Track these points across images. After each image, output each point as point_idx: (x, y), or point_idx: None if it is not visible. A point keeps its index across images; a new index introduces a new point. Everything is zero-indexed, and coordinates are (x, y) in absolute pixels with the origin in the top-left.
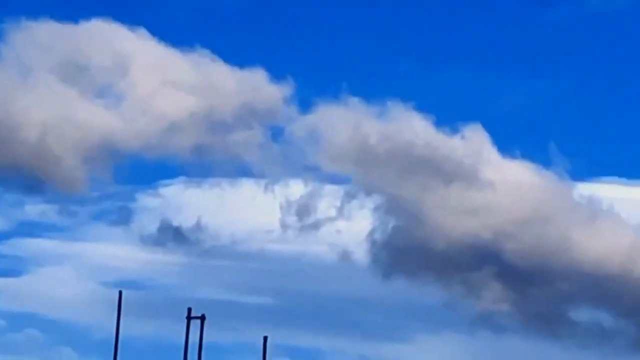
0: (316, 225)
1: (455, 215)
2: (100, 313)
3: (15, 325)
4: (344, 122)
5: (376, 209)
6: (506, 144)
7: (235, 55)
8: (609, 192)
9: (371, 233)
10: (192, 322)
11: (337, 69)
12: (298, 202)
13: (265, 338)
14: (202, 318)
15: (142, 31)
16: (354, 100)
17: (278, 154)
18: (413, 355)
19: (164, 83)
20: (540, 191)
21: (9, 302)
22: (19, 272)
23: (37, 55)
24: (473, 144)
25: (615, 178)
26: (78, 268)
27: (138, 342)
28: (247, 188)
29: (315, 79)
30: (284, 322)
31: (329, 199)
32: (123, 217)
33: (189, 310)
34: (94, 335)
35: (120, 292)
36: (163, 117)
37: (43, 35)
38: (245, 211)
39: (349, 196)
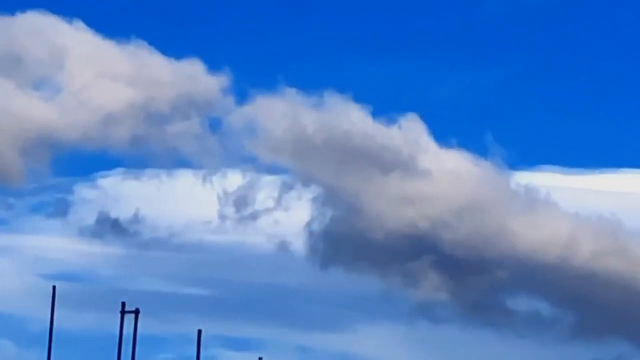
0: (254, 216)
1: (393, 205)
2: (37, 305)
3: None
4: (281, 113)
5: (314, 199)
6: (443, 134)
7: (172, 46)
8: (546, 180)
9: (309, 223)
10: (127, 315)
11: (273, 60)
12: (236, 193)
13: (200, 331)
14: (136, 312)
15: (79, 23)
16: (291, 91)
17: (216, 145)
18: (352, 345)
19: (100, 75)
20: (478, 180)
21: None
22: None
23: None
24: (410, 134)
25: (553, 167)
26: (16, 260)
27: (73, 334)
28: (185, 179)
29: (252, 70)
30: (221, 313)
31: (266, 189)
32: (61, 209)
33: (123, 304)
34: (31, 327)
35: (54, 287)
36: (100, 108)
37: None
38: (183, 202)
39: (287, 187)
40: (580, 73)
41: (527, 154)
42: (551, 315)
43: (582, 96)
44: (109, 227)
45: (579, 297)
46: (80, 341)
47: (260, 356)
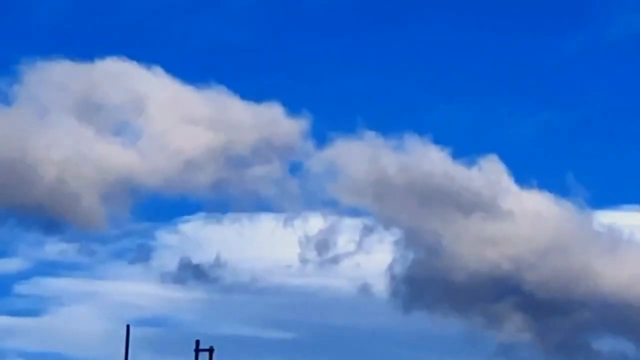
0: (335, 260)
1: (474, 247)
2: (119, 350)
3: None
4: (360, 155)
5: (395, 242)
6: (523, 175)
7: (251, 90)
8: (629, 220)
9: (391, 266)
10: (201, 356)
11: (352, 102)
12: (317, 236)
13: None
14: (211, 350)
15: (158, 69)
16: (370, 134)
17: (296, 188)
18: None
19: (180, 120)
20: (560, 220)
21: (30, 342)
22: (40, 311)
23: (53, 95)
24: (490, 175)
25: (635, 206)
26: (98, 306)
27: None
28: (266, 223)
29: (331, 113)
30: (304, 357)
31: (347, 233)
32: (142, 255)
33: (197, 342)
34: None
35: (127, 326)
36: (180, 153)
37: (58, 75)
38: (265, 246)
39: (368, 230)
40: None
41: (608, 194)
42: (636, 356)
43: None
44: (191, 272)
45: None
46: None
47: None
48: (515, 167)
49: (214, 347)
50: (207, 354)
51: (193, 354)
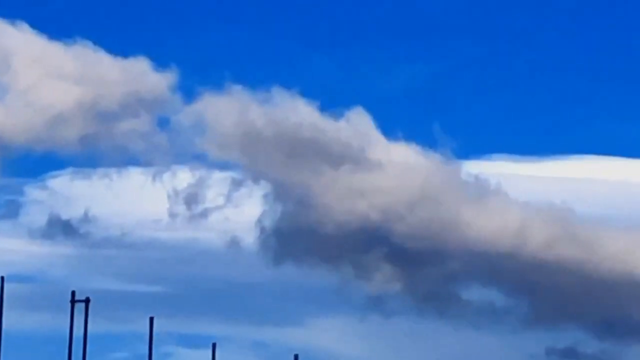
0: (204, 214)
1: (343, 198)
2: None
3: None
4: (228, 109)
5: (264, 195)
6: (390, 127)
7: (118, 45)
8: (496, 169)
9: (260, 219)
10: (77, 307)
11: (219, 56)
12: (186, 190)
13: (152, 319)
14: (87, 301)
15: (23, 25)
16: (238, 88)
17: (165, 142)
18: (306, 338)
19: (47, 75)
20: (428, 171)
21: None
22: None
23: None
24: (358, 127)
25: (502, 155)
26: None
27: (23, 334)
28: (135, 177)
29: (199, 68)
30: (174, 310)
31: (216, 186)
32: (11, 211)
33: (73, 293)
34: None
35: (2, 278)
36: (48, 109)
37: None
38: (134, 201)
39: (237, 183)
40: (526, 59)
41: (476, 144)
42: (505, 305)
43: (530, 82)
44: (60, 227)
45: (532, 286)
46: (29, 341)
47: (215, 350)
48: (382, 119)
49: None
50: (82, 305)
51: (67, 306)
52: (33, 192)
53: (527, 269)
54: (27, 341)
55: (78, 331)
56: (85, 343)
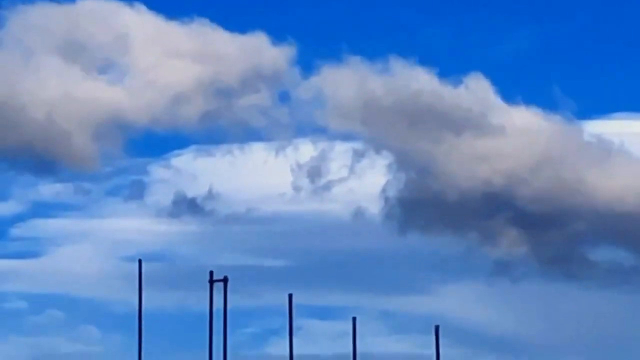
0: (328, 186)
1: (466, 165)
2: (120, 288)
3: (37, 306)
4: (347, 81)
5: (387, 164)
6: (509, 91)
7: (234, 21)
8: (618, 128)
9: (383, 189)
10: (215, 286)
11: (335, 28)
12: (309, 163)
13: (290, 296)
14: (225, 280)
15: (140, 6)
16: (356, 59)
17: (286, 116)
18: (434, 305)
19: (165, 54)
20: (549, 134)
21: (28, 284)
22: (37, 253)
23: (37, 37)
24: (477, 93)
25: (624, 114)
26: (95, 245)
27: (162, 313)
28: (257, 153)
29: (316, 40)
30: (304, 283)
31: (339, 158)
32: (136, 191)
33: (211, 273)
34: (116, 310)
35: (140, 261)
36: (168, 88)
37: (41, 17)
38: (257, 176)
39: (359, 154)
40: None
41: (597, 104)
42: (633, 264)
43: None
44: (186, 206)
45: None
46: (168, 320)
47: (355, 324)
48: (501, 84)
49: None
50: (221, 284)
51: (202, 284)
52: (157, 172)
53: None
54: (166, 321)
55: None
56: (225, 321)
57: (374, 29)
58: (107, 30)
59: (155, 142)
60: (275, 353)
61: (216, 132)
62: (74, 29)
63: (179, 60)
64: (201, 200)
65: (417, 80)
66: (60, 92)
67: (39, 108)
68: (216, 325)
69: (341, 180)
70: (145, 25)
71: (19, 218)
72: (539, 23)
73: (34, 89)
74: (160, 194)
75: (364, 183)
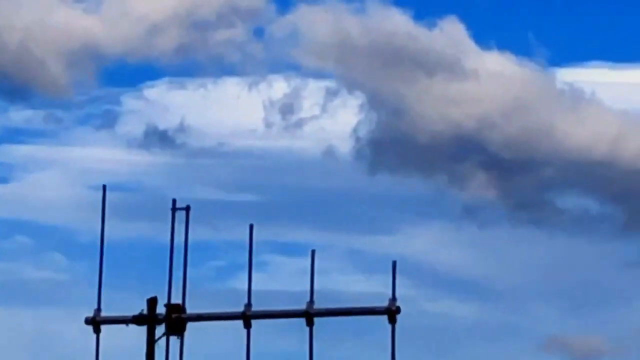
0: (300, 123)
1: (438, 107)
2: (87, 216)
3: (4, 232)
4: (322, 19)
5: (359, 104)
6: (483, 36)
7: None
8: (592, 77)
9: (355, 128)
10: (178, 217)
11: None
12: (281, 100)
13: (251, 226)
14: (187, 209)
15: None
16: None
17: (260, 52)
18: (401, 246)
19: None
20: (522, 80)
21: None
22: (6, 179)
23: None
24: (452, 36)
25: (597, 62)
26: (65, 173)
27: (124, 243)
28: (231, 87)
29: None
30: (270, 218)
31: (312, 96)
32: (108, 121)
33: (174, 201)
34: (82, 238)
35: (104, 186)
36: (144, 18)
37: None
38: (230, 110)
39: (332, 93)
40: None
41: (570, 51)
42: (600, 212)
43: None
44: (157, 137)
45: (628, 193)
46: (130, 250)
47: (313, 257)
48: (475, 28)
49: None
50: (183, 213)
51: (167, 215)
52: (129, 102)
53: (623, 177)
54: (128, 249)
55: (178, 239)
56: (186, 251)
57: None
58: None
59: (128, 72)
60: (239, 287)
61: (190, 65)
62: None
63: None
64: (172, 133)
65: (392, 22)
66: (34, 18)
67: (12, 34)
68: (178, 257)
69: (313, 118)
70: None
71: None
72: None
73: (8, 14)
74: (132, 125)
75: (336, 122)
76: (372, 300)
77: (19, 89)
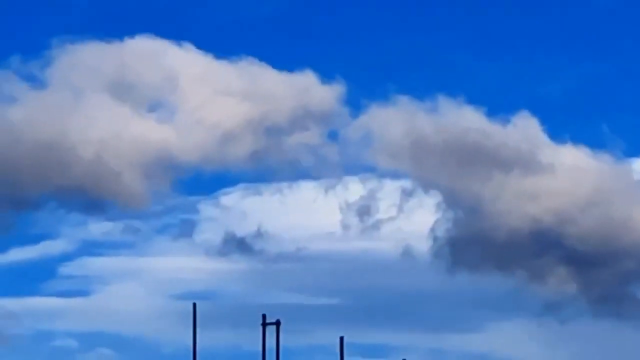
0: (377, 225)
1: (514, 203)
2: (170, 327)
3: (87, 345)
4: (395, 120)
5: (436, 203)
6: (556, 130)
7: (283, 60)
8: None
9: (432, 228)
10: (267, 328)
11: (383, 67)
12: (358, 202)
13: (342, 338)
14: (278, 323)
15: (188, 45)
16: (404, 99)
17: (335, 155)
18: (483, 344)
19: (214, 93)
20: (598, 172)
21: (78, 323)
22: (87, 292)
23: (86, 76)
24: (525, 132)
25: None
26: (145, 283)
27: (213, 353)
28: (306, 191)
29: (364, 79)
30: (354, 322)
31: (388, 197)
32: (186, 230)
33: (264, 316)
34: (167, 349)
35: (194, 304)
36: (217, 126)
37: (90, 56)
38: (306, 214)
39: (407, 193)
40: None
41: None
42: None
43: None
44: (235, 244)
45: None
46: (219, 359)
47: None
48: (548, 122)
49: (281, 321)
50: (273, 327)
51: (250, 325)
52: (206, 210)
53: None
54: (217, 358)
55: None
56: None
57: (422, 68)
58: (156, 69)
59: (204, 180)
60: None
61: (265, 170)
62: (123, 68)
63: (227, 99)
64: (250, 239)
65: (465, 119)
66: (109, 131)
67: (88, 147)
68: None
69: (390, 219)
70: (194, 64)
71: (68, 257)
72: (585, 61)
73: (84, 129)
74: (210, 233)
75: (413, 222)
76: None
77: (96, 202)
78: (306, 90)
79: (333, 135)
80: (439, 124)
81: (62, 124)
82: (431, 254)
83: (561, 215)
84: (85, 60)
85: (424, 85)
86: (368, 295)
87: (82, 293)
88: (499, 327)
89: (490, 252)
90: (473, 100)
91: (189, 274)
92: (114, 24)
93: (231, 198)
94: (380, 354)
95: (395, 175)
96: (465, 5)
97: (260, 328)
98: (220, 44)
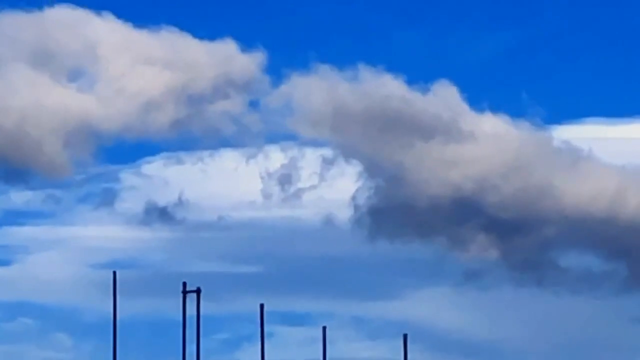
0: (298, 193)
1: (436, 171)
2: (92, 296)
3: (8, 314)
4: (316, 89)
5: (357, 171)
6: (477, 98)
7: (203, 28)
8: (588, 133)
9: (353, 196)
10: (188, 296)
11: (304, 36)
12: (279, 171)
13: (262, 306)
14: (198, 291)
15: (108, 14)
16: (325, 68)
17: (256, 124)
18: (404, 311)
19: (135, 62)
20: (518, 140)
21: (0, 292)
22: (8, 261)
23: (6, 45)
24: (446, 100)
25: (592, 119)
26: (67, 252)
27: (134, 321)
28: (228, 160)
29: (285, 48)
30: (274, 289)
31: (309, 166)
32: (107, 199)
33: (184, 284)
34: (88, 318)
35: (114, 273)
36: (138, 95)
37: (9, 26)
38: (228, 183)
39: (329, 162)
40: (614, 20)
41: (565, 109)
42: (603, 270)
43: (619, 43)
44: (157, 213)
45: (630, 250)
46: (140, 327)
47: (325, 333)
48: (467, 91)
49: (201, 289)
50: (194, 295)
51: (171, 294)
52: (128, 179)
53: (624, 234)
54: (138, 328)
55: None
56: (198, 332)
57: (342, 36)
58: (76, 39)
59: (125, 149)
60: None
61: (186, 139)
62: (43, 37)
63: (148, 68)
64: (172, 208)
65: (386, 87)
66: (30, 101)
67: (9, 116)
68: (189, 333)
69: (311, 187)
70: (114, 33)
71: None
72: (504, 30)
73: (4, 97)
74: (131, 202)
75: (334, 190)
76: None
77: (17, 171)
78: (227, 59)
79: (254, 104)
80: (359, 92)
81: None
82: (352, 222)
83: (482, 183)
84: (5, 30)
85: (344, 53)
86: (289, 263)
87: (4, 262)
88: (420, 294)
89: (412, 220)
90: (393, 68)
91: (111, 242)
92: None
93: (153, 167)
94: (301, 322)
95: (316, 143)
96: None
97: (181, 296)
98: (141, 13)
